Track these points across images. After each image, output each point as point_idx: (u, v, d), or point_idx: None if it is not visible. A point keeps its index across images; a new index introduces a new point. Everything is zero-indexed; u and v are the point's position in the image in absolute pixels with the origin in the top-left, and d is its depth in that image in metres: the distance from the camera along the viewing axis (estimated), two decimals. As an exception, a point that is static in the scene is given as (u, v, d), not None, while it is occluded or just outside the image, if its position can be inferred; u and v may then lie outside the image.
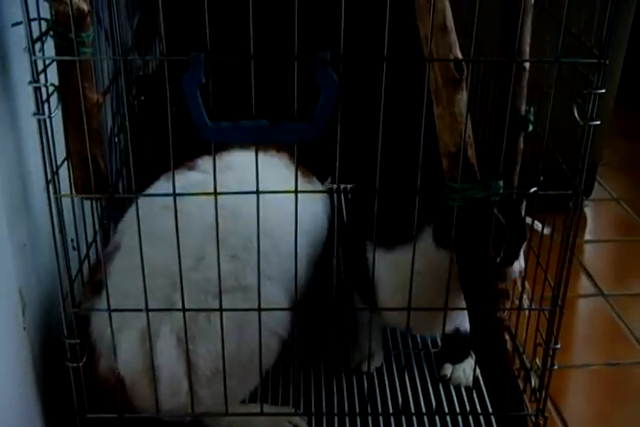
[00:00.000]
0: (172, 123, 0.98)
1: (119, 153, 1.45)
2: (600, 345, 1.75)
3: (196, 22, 1.35)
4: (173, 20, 1.38)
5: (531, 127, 1.28)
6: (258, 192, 1.01)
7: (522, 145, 1.32)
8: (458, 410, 1.34)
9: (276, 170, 1.33)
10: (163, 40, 0.99)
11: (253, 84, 0.96)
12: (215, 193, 1.02)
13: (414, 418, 1.31)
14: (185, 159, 1.34)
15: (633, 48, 2.19)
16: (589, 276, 1.99)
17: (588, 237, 2.23)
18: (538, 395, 1.22)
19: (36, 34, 0.94)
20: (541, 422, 1.22)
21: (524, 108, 1.29)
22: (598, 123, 0.98)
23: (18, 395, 1.11)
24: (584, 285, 1.96)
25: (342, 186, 1.88)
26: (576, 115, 0.99)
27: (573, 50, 1.01)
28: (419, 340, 1.53)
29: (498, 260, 1.16)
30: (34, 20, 0.94)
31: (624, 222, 2.30)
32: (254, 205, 1.03)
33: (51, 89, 0.97)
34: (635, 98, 2.89)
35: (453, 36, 0.93)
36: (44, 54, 0.95)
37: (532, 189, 1.10)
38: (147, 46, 1.70)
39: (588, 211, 2.33)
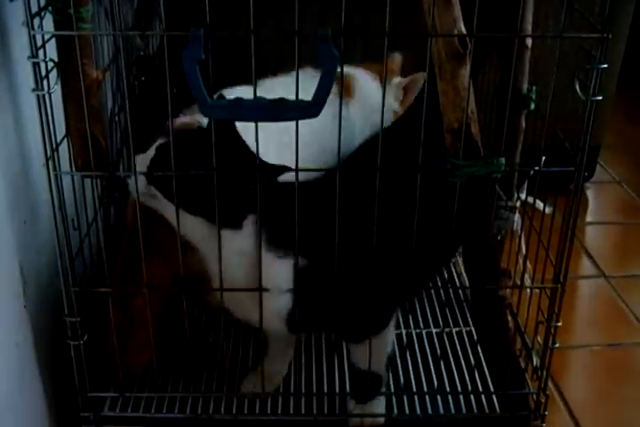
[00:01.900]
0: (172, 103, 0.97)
1: (119, 133, 1.44)
2: (601, 326, 1.75)
3: (196, 2, 1.35)
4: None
5: (533, 106, 1.27)
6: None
7: (524, 124, 1.31)
8: (459, 389, 1.34)
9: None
10: (163, 20, 0.98)
11: (254, 60, 0.95)
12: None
13: (416, 397, 1.32)
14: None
15: (636, 28, 2.17)
16: (591, 257, 1.99)
17: (589, 219, 2.23)
18: (539, 374, 1.22)
19: (34, 9, 0.94)
20: (543, 401, 1.23)
21: (526, 86, 1.29)
22: (600, 98, 0.98)
23: (19, 371, 1.11)
24: (586, 266, 1.96)
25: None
26: (578, 90, 0.99)
27: (576, 27, 1.00)
28: (420, 320, 1.53)
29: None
30: (32, -6, 0.93)
31: (626, 205, 2.30)
32: None
33: (50, 65, 0.97)
34: (638, 77, 2.87)
35: (457, 11, 0.92)
36: (42, 29, 0.95)
37: (535, 168, 1.10)
38: (147, 27, 1.69)
39: (589, 193, 2.33)
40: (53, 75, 0.98)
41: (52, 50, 0.99)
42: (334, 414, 1.29)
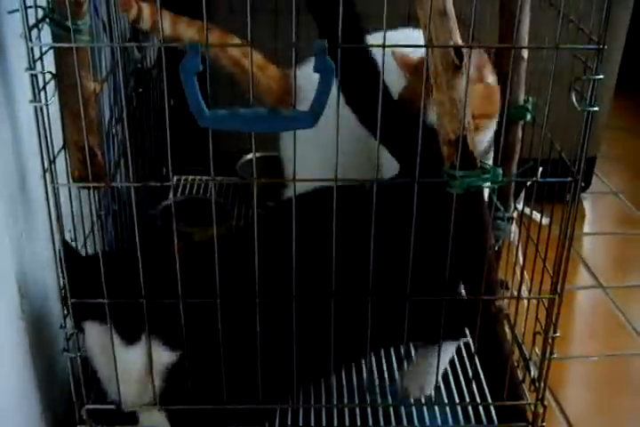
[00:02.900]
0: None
1: (117, 145, 1.45)
2: (599, 336, 1.75)
3: (193, 14, 1.35)
4: (172, 11, 1.38)
5: (529, 116, 1.28)
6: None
7: (520, 135, 1.32)
8: (457, 400, 1.33)
9: None
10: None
11: (251, 71, 0.95)
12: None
13: (413, 409, 1.31)
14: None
15: (632, 39, 2.18)
16: (588, 268, 1.99)
17: (586, 229, 2.23)
18: (537, 384, 1.22)
19: (32, 21, 0.94)
20: (540, 412, 1.22)
21: (522, 97, 1.29)
22: (597, 109, 0.98)
23: (17, 384, 1.11)
24: (583, 277, 1.96)
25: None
26: (574, 101, 0.99)
27: (572, 39, 1.01)
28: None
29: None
30: (30, 7, 0.94)
31: (622, 215, 2.30)
32: None
33: (48, 77, 0.97)
34: (634, 88, 2.88)
35: (453, 22, 0.93)
36: (40, 41, 0.95)
37: (532, 179, 1.10)
38: (144, 39, 1.70)
39: (586, 204, 2.33)
40: (51, 86, 0.98)
41: (49, 62, 0.99)
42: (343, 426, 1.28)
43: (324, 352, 1.13)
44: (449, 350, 1.33)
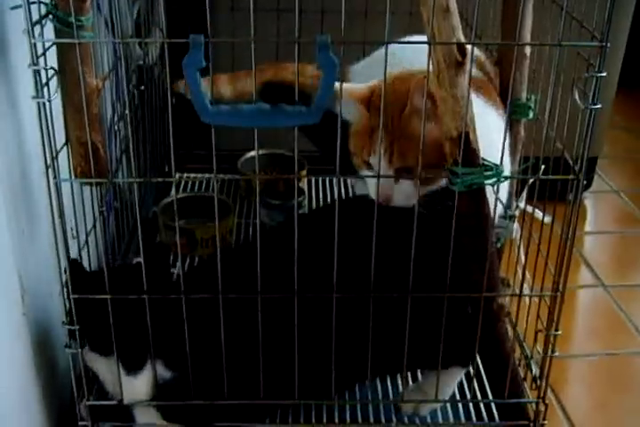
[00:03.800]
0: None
1: (119, 141, 1.44)
2: (600, 335, 1.75)
3: (196, 11, 1.35)
4: (174, 9, 1.38)
5: (531, 114, 1.27)
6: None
7: (522, 132, 1.32)
8: (458, 398, 1.33)
9: None
10: (163, 29, 0.99)
11: (254, 67, 0.95)
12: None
13: (415, 406, 1.31)
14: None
15: (635, 37, 2.18)
16: (590, 267, 1.99)
17: (588, 228, 2.23)
18: (538, 382, 1.22)
19: (35, 17, 0.94)
20: (542, 410, 1.22)
21: (525, 95, 1.29)
22: (599, 106, 0.98)
23: (18, 380, 1.11)
24: (584, 276, 1.96)
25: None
26: (577, 99, 0.99)
27: (575, 37, 1.01)
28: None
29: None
30: (33, 3, 0.93)
31: (624, 214, 2.30)
32: None
33: (50, 73, 0.97)
34: (636, 86, 2.87)
35: (456, 19, 0.93)
36: (43, 37, 0.95)
37: (534, 176, 1.10)
38: (147, 36, 1.70)
39: (588, 203, 2.33)
40: (53, 82, 0.98)
41: (52, 59, 0.99)
42: (344, 423, 1.29)
43: (325, 375, 1.14)
44: (456, 376, 1.30)
